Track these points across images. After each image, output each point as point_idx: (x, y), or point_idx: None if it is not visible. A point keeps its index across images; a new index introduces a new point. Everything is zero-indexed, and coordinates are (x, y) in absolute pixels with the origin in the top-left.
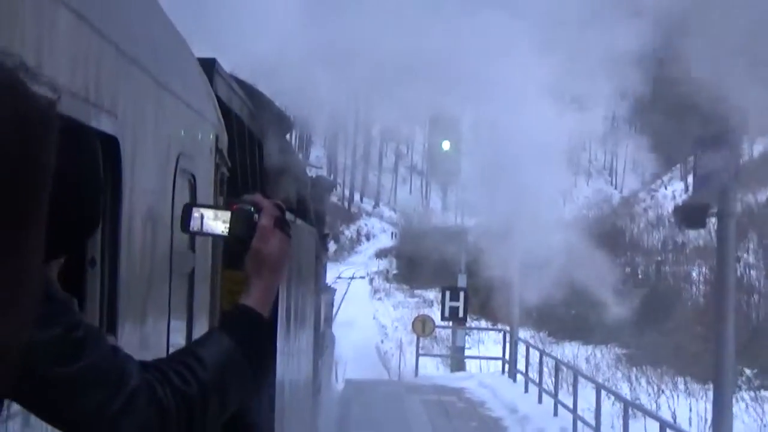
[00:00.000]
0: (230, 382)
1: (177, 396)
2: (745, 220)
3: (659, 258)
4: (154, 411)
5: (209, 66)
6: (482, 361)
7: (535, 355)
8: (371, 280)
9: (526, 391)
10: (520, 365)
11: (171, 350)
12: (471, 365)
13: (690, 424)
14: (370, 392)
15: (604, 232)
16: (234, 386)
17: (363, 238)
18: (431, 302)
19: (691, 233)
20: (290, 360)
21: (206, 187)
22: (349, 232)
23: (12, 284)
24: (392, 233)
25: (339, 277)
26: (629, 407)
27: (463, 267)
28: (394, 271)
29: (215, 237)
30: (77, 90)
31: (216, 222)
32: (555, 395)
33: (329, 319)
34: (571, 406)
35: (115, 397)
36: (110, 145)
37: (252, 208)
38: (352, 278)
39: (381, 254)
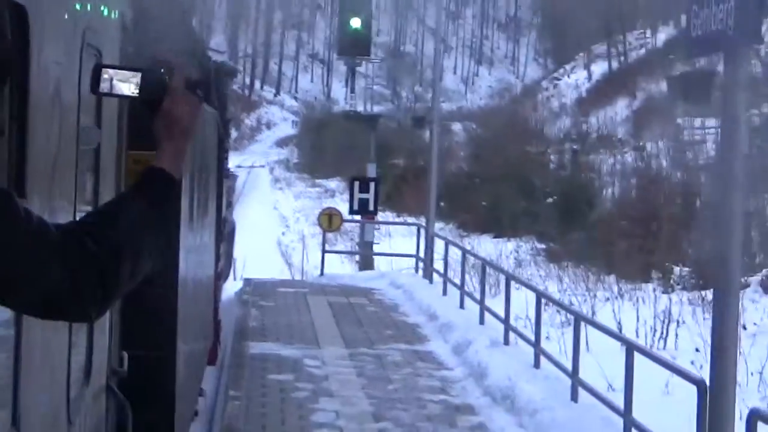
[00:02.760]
0: (143, 241)
1: (88, 256)
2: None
3: (575, 147)
4: (68, 272)
5: None
6: (392, 259)
7: (454, 254)
8: (272, 170)
9: (445, 293)
10: (437, 264)
11: None
12: (380, 263)
13: (637, 334)
14: (270, 293)
15: (511, 122)
16: (147, 246)
17: (263, 127)
18: (333, 192)
19: (594, 121)
20: (194, 239)
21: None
22: (250, 120)
23: None
24: (293, 122)
25: (239, 166)
26: (580, 321)
27: (373, 155)
28: (295, 160)
29: (125, 98)
30: None
31: (126, 83)
32: (481, 301)
33: (231, 205)
34: (498, 311)
35: (34, 257)
36: (18, 12)
37: (162, 69)
38: (251, 167)
39: (282, 143)
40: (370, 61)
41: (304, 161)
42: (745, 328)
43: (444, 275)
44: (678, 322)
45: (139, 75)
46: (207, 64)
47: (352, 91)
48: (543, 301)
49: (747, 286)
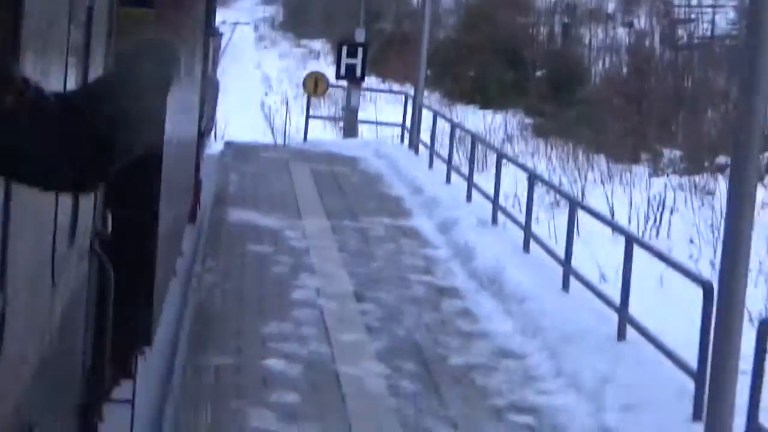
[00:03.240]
0: (141, 111)
1: (87, 125)
2: None
3: (566, 20)
4: (67, 142)
5: None
6: (378, 127)
7: (441, 126)
8: (256, 27)
9: (431, 167)
10: (424, 136)
11: (68, 85)
12: (364, 130)
13: (629, 220)
14: (251, 158)
15: None
16: (145, 115)
17: None
18: (318, 54)
19: None
20: (179, 98)
21: None
22: None
23: None
24: None
25: (223, 22)
26: (576, 206)
27: (362, 19)
28: (281, 19)
29: None
30: None
31: None
32: (469, 177)
33: (216, 64)
34: (486, 189)
35: (34, 127)
36: None
37: None
38: (236, 24)
39: (268, 1)
40: None
41: (290, 20)
42: None
43: (431, 148)
44: (672, 210)
45: None
46: None
47: None
48: (533, 179)
49: None
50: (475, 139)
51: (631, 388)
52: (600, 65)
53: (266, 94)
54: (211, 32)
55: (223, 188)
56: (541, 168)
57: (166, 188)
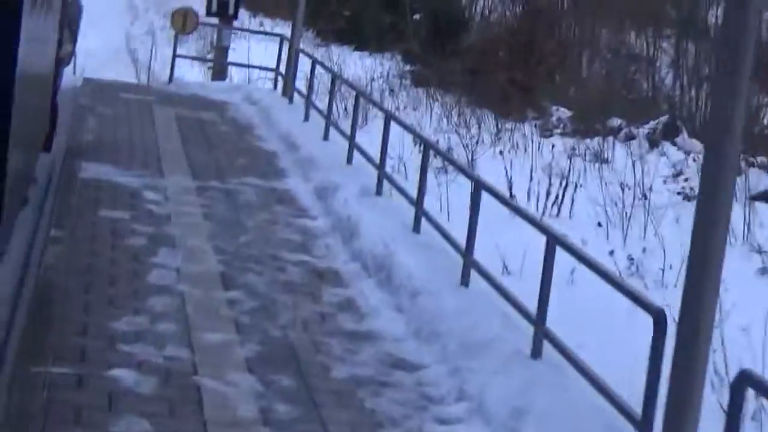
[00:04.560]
0: None
1: None
2: None
3: None
4: None
5: None
6: (249, 70)
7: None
8: None
9: (307, 119)
10: (299, 84)
11: None
12: (234, 73)
13: (528, 196)
14: (112, 99)
15: None
16: None
17: None
18: None
19: None
20: (35, 21)
21: None
22: None
23: None
24: None
25: None
26: (480, 188)
27: None
28: None
29: None
30: None
31: None
32: (351, 138)
33: None
34: (368, 148)
35: None
36: None
37: None
38: None
39: None
40: None
41: None
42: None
43: (308, 98)
44: (576, 185)
45: None
46: None
47: None
48: (431, 152)
49: (632, 137)
50: (360, 95)
51: (550, 422)
52: (481, 12)
53: (131, 24)
54: None
55: (77, 135)
56: (425, 124)
57: (17, 111)
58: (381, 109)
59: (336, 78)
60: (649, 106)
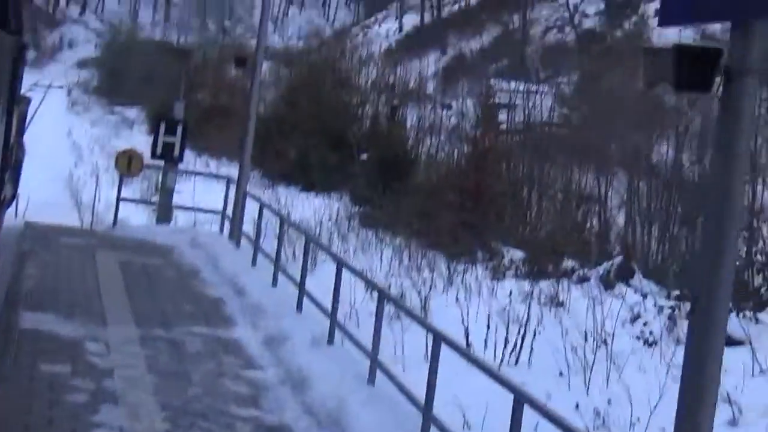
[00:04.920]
0: None
1: None
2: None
3: (395, 102)
4: None
5: None
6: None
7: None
8: (69, 91)
9: (254, 264)
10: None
11: None
12: (180, 214)
13: (485, 344)
14: (54, 244)
15: (321, 66)
16: None
17: (65, 46)
18: (132, 123)
19: (401, 72)
20: None
21: None
22: (51, 38)
23: None
24: (97, 44)
25: (36, 85)
26: (441, 340)
27: (183, 94)
28: (95, 84)
29: None
30: None
31: None
32: (301, 284)
33: (21, 132)
34: (318, 294)
35: None
36: None
37: None
38: (49, 87)
39: (83, 64)
40: None
41: (105, 85)
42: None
43: (255, 243)
44: (535, 332)
45: None
46: None
47: (167, 18)
48: (384, 299)
49: (586, 279)
50: (309, 240)
51: None
52: (425, 150)
53: (75, 164)
54: (16, 98)
55: (18, 283)
56: (376, 267)
57: None
58: (332, 256)
59: (284, 222)
60: (601, 246)
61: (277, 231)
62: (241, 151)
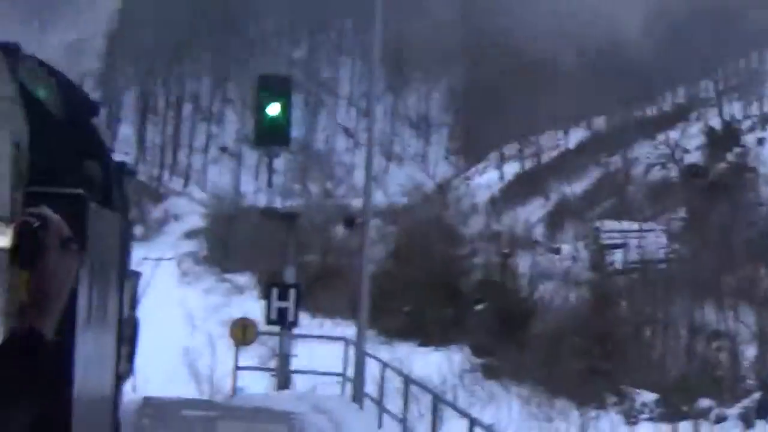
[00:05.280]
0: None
1: None
2: None
3: (506, 251)
4: None
5: (12, 52)
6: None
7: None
8: (179, 263)
9: (380, 426)
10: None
11: None
12: (299, 380)
13: None
14: (173, 417)
15: (426, 220)
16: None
17: (171, 219)
18: (242, 289)
19: (507, 221)
20: (92, 346)
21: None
22: (157, 211)
23: None
24: (202, 214)
25: (145, 259)
26: None
27: (292, 258)
28: (204, 254)
29: None
30: None
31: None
32: None
33: (134, 306)
34: None
35: None
36: None
37: (37, 224)
38: (158, 260)
39: (190, 235)
40: (289, 151)
41: (213, 254)
42: None
43: (380, 404)
44: None
45: (11, 229)
46: (110, 163)
47: (270, 185)
48: None
49: (724, 418)
50: (437, 399)
51: None
52: (542, 296)
53: (190, 335)
54: (126, 274)
55: None
56: (502, 416)
57: None
58: (463, 413)
59: (409, 382)
60: (734, 382)
61: (399, 389)
62: (356, 312)
